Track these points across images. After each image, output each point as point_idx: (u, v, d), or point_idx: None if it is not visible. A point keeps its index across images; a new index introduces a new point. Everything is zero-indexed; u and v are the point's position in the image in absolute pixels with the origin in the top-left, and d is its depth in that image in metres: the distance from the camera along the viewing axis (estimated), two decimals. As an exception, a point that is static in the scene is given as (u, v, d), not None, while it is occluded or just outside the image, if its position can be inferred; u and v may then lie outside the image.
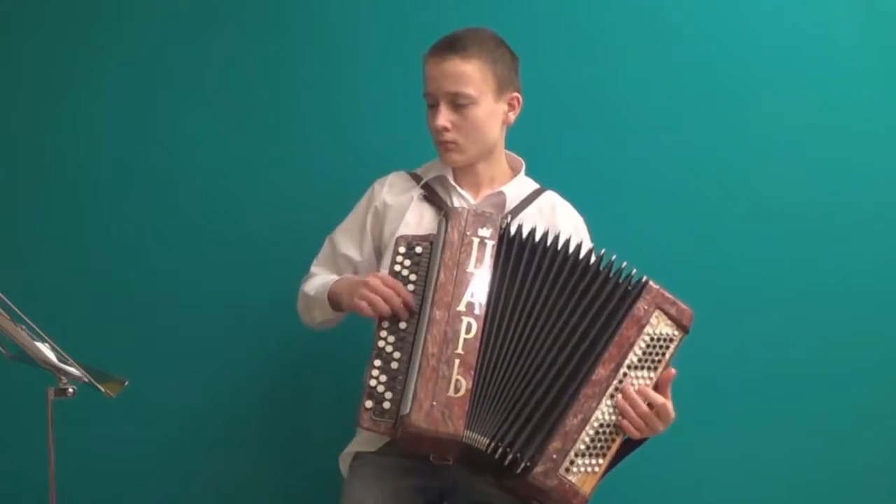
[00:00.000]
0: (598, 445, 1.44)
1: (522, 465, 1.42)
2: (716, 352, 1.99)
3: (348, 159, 2.04)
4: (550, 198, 1.78)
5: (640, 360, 1.46)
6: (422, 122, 1.73)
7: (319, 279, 1.76)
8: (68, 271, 2.05)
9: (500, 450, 1.44)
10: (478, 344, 1.45)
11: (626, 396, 1.45)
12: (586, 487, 1.42)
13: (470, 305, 1.47)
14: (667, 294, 1.49)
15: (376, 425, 1.47)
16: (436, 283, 1.48)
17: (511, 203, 1.72)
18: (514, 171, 1.79)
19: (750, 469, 2.00)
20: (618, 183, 2.03)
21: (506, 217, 1.58)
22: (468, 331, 1.45)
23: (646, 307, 1.47)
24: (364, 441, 1.66)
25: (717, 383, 1.99)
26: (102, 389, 1.38)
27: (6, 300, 1.35)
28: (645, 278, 1.50)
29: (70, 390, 1.37)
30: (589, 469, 1.43)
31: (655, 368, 1.47)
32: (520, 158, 1.80)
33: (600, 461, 1.44)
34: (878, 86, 2.04)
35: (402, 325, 1.51)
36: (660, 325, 1.48)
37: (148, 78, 2.07)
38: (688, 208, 2.03)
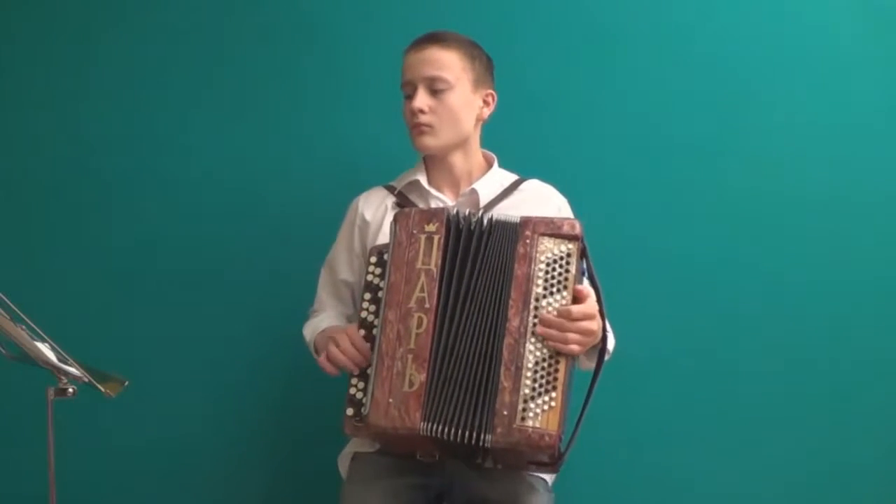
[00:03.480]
0: (543, 382, 1.44)
1: (483, 437, 1.42)
2: (713, 347, 1.99)
3: (350, 163, 2.04)
4: (531, 185, 1.79)
5: (545, 289, 1.47)
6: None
7: (315, 321, 1.79)
8: (68, 271, 2.05)
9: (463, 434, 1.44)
10: (429, 337, 1.47)
11: (543, 323, 1.45)
12: (551, 426, 1.42)
13: (420, 300, 1.49)
14: (540, 219, 1.51)
15: (358, 431, 1.52)
16: (388, 285, 1.51)
17: (485, 198, 1.72)
18: (489, 166, 1.80)
19: (748, 466, 1.99)
20: (606, 179, 2.03)
21: (473, 212, 1.57)
22: (419, 325, 1.48)
23: (527, 241, 1.49)
24: (362, 442, 1.67)
25: (716, 379, 1.99)
26: (102, 389, 1.38)
27: (6, 300, 1.35)
28: (518, 218, 1.51)
29: (70, 390, 1.37)
30: (546, 407, 1.42)
31: (566, 287, 1.47)
32: (492, 154, 1.81)
33: (553, 395, 1.43)
34: (878, 82, 2.03)
35: None
36: (548, 249, 1.49)
37: (147, 81, 2.08)
38: (684, 205, 2.02)
